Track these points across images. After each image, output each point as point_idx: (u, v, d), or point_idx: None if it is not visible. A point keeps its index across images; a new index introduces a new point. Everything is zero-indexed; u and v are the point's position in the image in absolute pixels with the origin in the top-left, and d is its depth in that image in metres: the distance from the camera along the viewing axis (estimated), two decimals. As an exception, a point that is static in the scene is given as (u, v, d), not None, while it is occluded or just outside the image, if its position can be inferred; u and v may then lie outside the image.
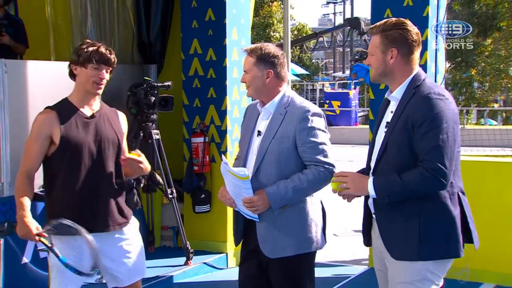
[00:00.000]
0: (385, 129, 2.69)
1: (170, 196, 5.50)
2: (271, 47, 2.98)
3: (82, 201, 3.03)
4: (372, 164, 2.73)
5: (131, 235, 3.22)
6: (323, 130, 2.91)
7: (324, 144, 2.89)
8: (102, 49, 3.03)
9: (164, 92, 5.55)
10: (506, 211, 4.93)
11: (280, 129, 2.89)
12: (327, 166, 2.86)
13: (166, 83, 5.52)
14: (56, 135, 2.97)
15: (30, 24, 5.70)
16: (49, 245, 2.80)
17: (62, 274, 2.99)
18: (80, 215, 2.99)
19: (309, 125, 2.87)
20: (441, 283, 2.66)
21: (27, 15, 5.89)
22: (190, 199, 5.79)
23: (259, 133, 2.98)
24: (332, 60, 44.29)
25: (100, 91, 3.06)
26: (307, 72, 32.36)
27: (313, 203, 2.96)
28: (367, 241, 2.90)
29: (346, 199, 2.74)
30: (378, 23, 2.72)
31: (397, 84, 2.68)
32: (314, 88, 29.82)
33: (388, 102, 2.78)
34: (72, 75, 3.08)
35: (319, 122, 2.91)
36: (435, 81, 5.28)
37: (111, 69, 3.09)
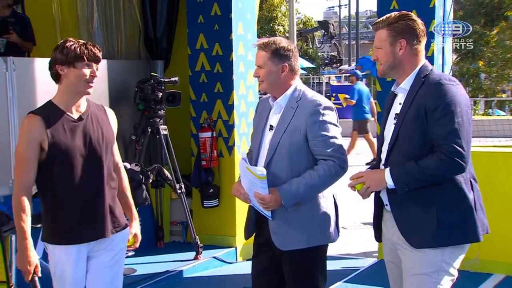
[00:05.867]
0: (395, 121, 2.69)
1: (179, 191, 5.51)
2: (283, 41, 2.97)
3: (80, 208, 2.85)
4: (383, 156, 2.72)
5: (120, 248, 3.02)
6: (334, 124, 2.89)
7: (336, 138, 2.87)
8: (90, 46, 2.84)
9: (171, 87, 5.56)
10: (515, 201, 4.91)
11: (291, 123, 2.88)
12: (337, 161, 2.84)
13: (173, 79, 5.53)
14: (45, 142, 2.76)
15: (37, 21, 5.71)
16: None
17: (64, 284, 2.91)
18: (80, 221, 2.85)
19: (320, 118, 2.85)
20: (456, 274, 2.65)
21: (34, 13, 5.90)
22: (199, 194, 5.80)
23: (271, 127, 2.96)
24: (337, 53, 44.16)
25: (91, 90, 2.86)
26: (313, 66, 32.30)
27: (324, 197, 2.95)
28: (378, 236, 2.90)
29: (363, 197, 2.73)
30: (381, 18, 2.72)
31: (405, 76, 2.69)
32: (320, 81, 29.76)
33: (395, 95, 2.78)
34: (57, 77, 2.84)
35: (330, 116, 2.89)
36: (442, 72, 5.25)
37: (98, 66, 2.90)
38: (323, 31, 22.74)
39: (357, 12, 33.49)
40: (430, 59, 4.87)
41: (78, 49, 2.79)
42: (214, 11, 5.71)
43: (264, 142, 2.97)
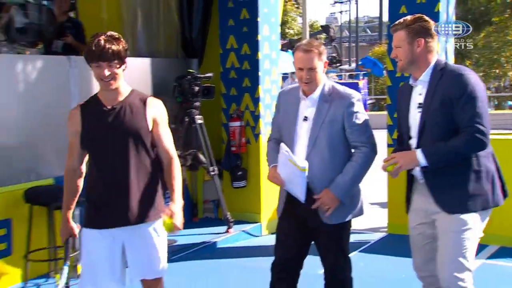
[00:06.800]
0: (419, 110, 2.81)
1: (213, 173, 5.70)
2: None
3: (103, 194, 2.71)
4: (415, 141, 2.85)
5: (149, 235, 2.76)
6: (364, 113, 3.01)
7: (368, 126, 3.00)
8: (94, 44, 2.54)
9: (206, 82, 5.73)
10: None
11: (328, 114, 2.93)
12: (371, 145, 2.98)
13: (208, 74, 5.70)
14: (79, 130, 2.72)
15: (87, 25, 5.89)
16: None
17: (88, 271, 2.78)
18: (102, 207, 2.72)
19: (354, 109, 2.95)
20: (482, 235, 2.81)
21: (84, 18, 6.08)
22: (229, 176, 5.99)
23: (305, 118, 2.98)
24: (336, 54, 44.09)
25: (113, 87, 2.63)
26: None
27: None
28: (409, 209, 3.02)
29: (393, 176, 2.87)
30: (399, 21, 2.85)
31: (421, 71, 2.82)
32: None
33: (411, 88, 2.89)
34: None
35: (361, 107, 3.02)
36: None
37: (116, 61, 2.57)
38: (326, 34, 22.94)
39: (356, 18, 33.55)
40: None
41: (88, 49, 2.59)
42: (243, 15, 5.88)
43: (299, 133, 2.98)
